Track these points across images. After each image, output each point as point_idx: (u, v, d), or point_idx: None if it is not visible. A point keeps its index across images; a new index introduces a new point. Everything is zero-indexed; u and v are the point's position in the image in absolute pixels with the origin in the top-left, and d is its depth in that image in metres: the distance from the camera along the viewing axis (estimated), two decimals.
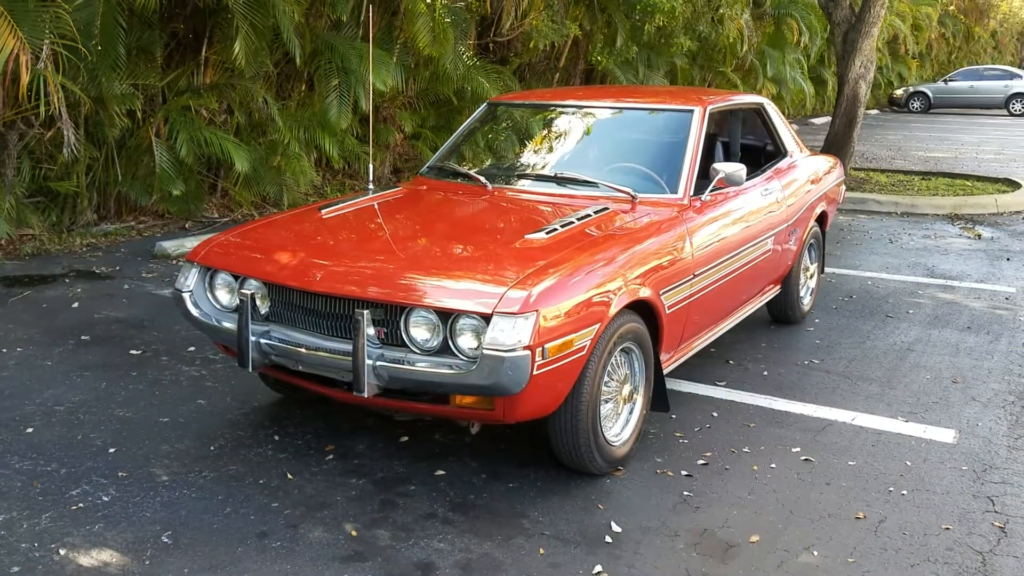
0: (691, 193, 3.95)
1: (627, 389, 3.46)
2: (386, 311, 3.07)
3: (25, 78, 5.47)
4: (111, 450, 3.58)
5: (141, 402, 4.06)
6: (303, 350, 3.18)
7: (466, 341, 2.99)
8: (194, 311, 3.49)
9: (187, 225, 7.94)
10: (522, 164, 4.50)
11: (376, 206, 3.98)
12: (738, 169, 4.00)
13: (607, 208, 3.73)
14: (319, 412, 3.96)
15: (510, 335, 2.85)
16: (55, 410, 3.95)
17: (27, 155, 7.00)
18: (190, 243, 6.98)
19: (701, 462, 3.57)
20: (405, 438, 3.73)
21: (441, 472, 3.43)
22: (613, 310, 3.19)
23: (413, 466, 3.48)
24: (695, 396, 4.25)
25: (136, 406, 4.02)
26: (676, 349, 3.85)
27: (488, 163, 4.55)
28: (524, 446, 3.65)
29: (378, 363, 3.01)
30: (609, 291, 3.19)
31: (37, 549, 2.87)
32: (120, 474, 3.38)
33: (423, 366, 2.99)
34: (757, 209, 4.46)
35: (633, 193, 3.85)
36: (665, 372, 3.71)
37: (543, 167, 4.30)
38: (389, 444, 3.67)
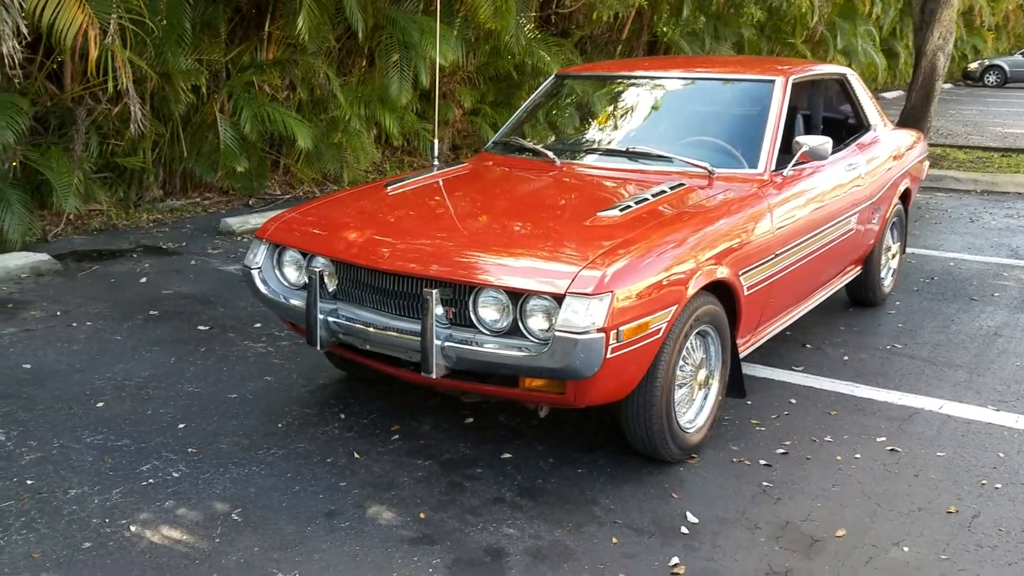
0: (772, 168, 3.77)
1: (702, 374, 3.33)
2: (455, 291, 2.98)
3: (94, 52, 5.49)
4: (180, 426, 3.58)
5: (209, 378, 4.06)
6: (371, 329, 3.11)
7: (537, 323, 2.88)
8: (262, 288, 3.45)
9: (251, 202, 7.98)
10: (592, 138, 4.35)
11: (442, 183, 3.89)
12: (823, 143, 3.81)
13: (683, 184, 3.58)
14: (383, 391, 3.91)
15: (583, 317, 2.74)
16: (125, 384, 3.97)
17: (95, 130, 7.07)
18: (254, 220, 7.00)
19: (780, 451, 3.42)
20: (470, 419, 3.65)
21: (508, 455, 3.35)
22: (690, 291, 3.05)
23: (479, 448, 3.41)
24: (771, 382, 4.09)
25: (205, 381, 4.02)
26: (753, 332, 3.70)
27: (555, 138, 4.42)
28: (592, 430, 3.55)
29: (446, 344, 2.93)
30: (686, 272, 3.05)
31: (108, 525, 2.87)
32: (190, 450, 3.37)
33: (492, 348, 2.90)
34: (840, 185, 4.26)
35: (710, 168, 3.69)
36: (741, 356, 3.56)
37: (614, 141, 4.16)
38: (454, 425, 3.60)
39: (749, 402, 3.83)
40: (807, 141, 3.82)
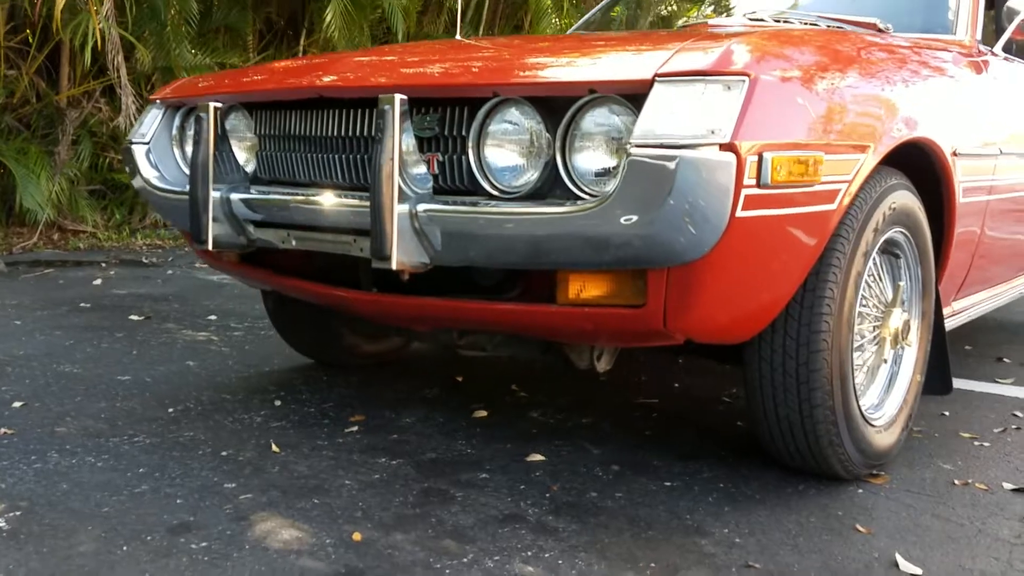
0: (978, 37, 2.38)
1: (897, 317, 1.85)
2: (443, 116, 1.62)
3: (61, 2, 4.48)
4: (16, 404, 2.22)
5: (106, 359, 2.72)
6: (295, 201, 1.75)
7: (594, 159, 1.49)
8: (149, 174, 2.13)
9: None
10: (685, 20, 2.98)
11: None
12: None
13: (842, 28, 2.20)
14: (359, 379, 2.51)
15: (690, 116, 1.34)
16: None
17: (88, 136, 6.07)
18: None
19: None
20: (482, 412, 2.21)
21: (538, 458, 1.89)
22: (886, 140, 1.64)
23: (488, 448, 1.96)
24: (972, 393, 2.56)
25: (95, 363, 2.68)
26: (959, 291, 2.22)
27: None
28: (688, 428, 2.08)
29: (421, 207, 1.54)
30: (879, 102, 1.66)
31: None
32: (3, 431, 2.00)
33: (506, 207, 1.50)
34: None
35: (882, 25, 2.30)
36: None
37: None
38: (455, 419, 2.16)
39: (946, 413, 2.31)
40: None
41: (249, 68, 2.22)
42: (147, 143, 2.15)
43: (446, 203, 1.56)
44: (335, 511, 1.59)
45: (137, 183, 2.15)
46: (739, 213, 1.38)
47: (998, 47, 2.43)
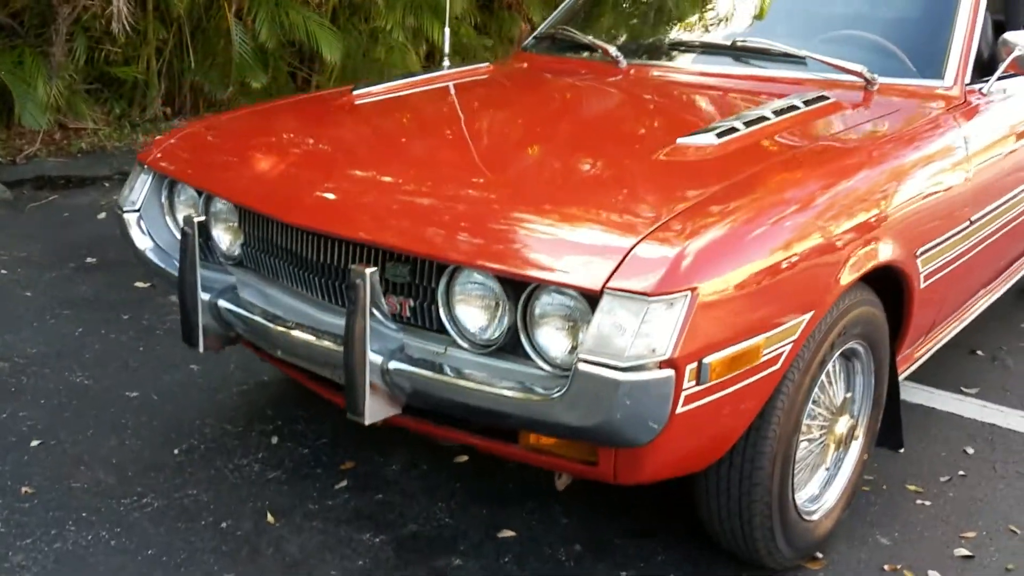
0: (966, 81, 2.32)
1: (843, 423, 1.97)
2: (413, 267, 1.68)
3: None
4: (34, 443, 2.42)
5: (114, 363, 2.88)
6: (273, 326, 1.85)
7: (552, 337, 1.57)
8: (142, 244, 2.21)
9: None
10: (677, 33, 2.89)
11: (439, 91, 2.55)
12: None
13: (825, 98, 2.16)
14: None
15: (634, 338, 1.41)
16: None
17: (82, 33, 5.92)
18: None
19: (962, 552, 2.06)
20: (463, 457, 2.38)
21: (509, 533, 2.08)
22: (841, 284, 1.69)
23: (465, 516, 2.14)
24: (931, 413, 2.69)
25: (105, 368, 2.85)
26: (921, 343, 2.31)
27: (626, 35, 2.99)
28: (645, 497, 2.25)
29: (392, 365, 1.64)
30: (834, 249, 1.69)
31: None
32: (24, 490, 2.20)
33: (472, 379, 1.60)
34: None
35: (868, 75, 2.25)
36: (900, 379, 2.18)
37: (712, 36, 2.71)
38: (438, 466, 2.34)
39: (901, 450, 2.46)
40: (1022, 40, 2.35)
41: (242, 139, 2.20)
42: (137, 210, 2.20)
43: (416, 359, 1.65)
44: None
45: (136, 253, 2.21)
46: (679, 410, 1.47)
47: (991, 83, 2.37)
